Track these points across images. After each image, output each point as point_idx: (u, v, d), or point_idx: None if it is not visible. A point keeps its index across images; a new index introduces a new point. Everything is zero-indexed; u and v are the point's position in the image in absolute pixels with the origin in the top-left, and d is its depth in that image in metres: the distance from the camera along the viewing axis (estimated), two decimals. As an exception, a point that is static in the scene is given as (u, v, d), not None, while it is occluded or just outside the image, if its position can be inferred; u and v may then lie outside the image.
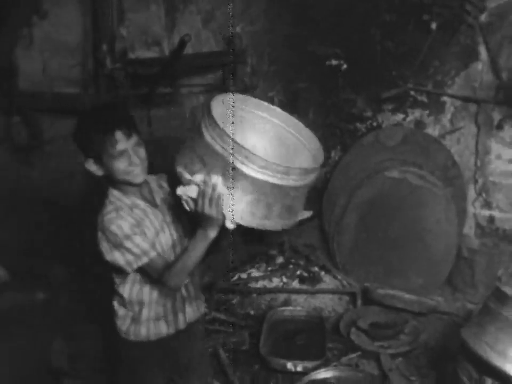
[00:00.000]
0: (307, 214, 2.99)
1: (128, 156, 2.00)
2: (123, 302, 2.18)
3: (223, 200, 1.84)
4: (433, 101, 2.77)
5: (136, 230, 2.02)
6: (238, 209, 1.86)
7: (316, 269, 2.94)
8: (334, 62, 3.04)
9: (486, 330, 1.87)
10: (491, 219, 2.70)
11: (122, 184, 2.08)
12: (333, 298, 2.84)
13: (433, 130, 2.78)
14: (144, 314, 2.15)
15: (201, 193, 1.84)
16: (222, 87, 3.54)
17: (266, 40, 3.44)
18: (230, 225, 1.87)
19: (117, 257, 2.02)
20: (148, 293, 2.15)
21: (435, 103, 2.76)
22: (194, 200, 1.87)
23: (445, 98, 2.73)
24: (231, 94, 2.07)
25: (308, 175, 1.89)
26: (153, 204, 2.16)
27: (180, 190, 1.89)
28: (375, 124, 2.99)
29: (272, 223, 1.91)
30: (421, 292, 2.73)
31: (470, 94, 2.61)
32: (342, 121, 3.12)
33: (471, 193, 2.74)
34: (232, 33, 3.47)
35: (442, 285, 2.84)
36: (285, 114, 2.16)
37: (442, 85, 2.72)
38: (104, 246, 2.03)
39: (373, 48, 2.90)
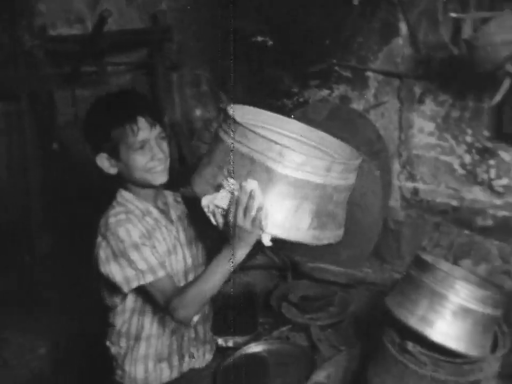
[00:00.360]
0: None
1: (150, 148, 1.72)
2: (117, 337, 1.85)
3: (261, 209, 1.51)
4: (357, 76, 2.81)
5: (146, 240, 1.71)
6: (275, 219, 1.55)
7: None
8: (259, 39, 3.04)
9: (407, 298, 1.93)
10: (415, 191, 2.77)
11: (137, 187, 1.80)
12: (264, 273, 2.87)
13: (358, 105, 2.83)
14: (141, 350, 1.82)
15: (235, 202, 1.51)
16: (148, 65, 3.49)
17: (192, 17, 3.39)
18: (267, 241, 1.55)
19: (113, 270, 1.68)
20: (149, 327, 1.82)
21: (359, 78, 2.80)
22: (223, 213, 1.55)
23: (368, 73, 2.77)
24: (243, 106, 1.82)
25: (349, 173, 1.66)
26: (168, 218, 1.88)
27: (205, 200, 1.56)
28: (301, 99, 3.01)
29: (318, 235, 1.63)
30: (350, 264, 2.79)
31: (392, 69, 2.66)
32: (270, 98, 3.13)
33: (396, 166, 2.80)
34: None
35: (370, 256, 2.91)
36: (302, 126, 1.95)
37: (366, 60, 2.76)
38: (101, 254, 1.69)
39: (297, 24, 2.91)
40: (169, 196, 1.97)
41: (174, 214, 1.92)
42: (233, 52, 3.25)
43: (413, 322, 1.86)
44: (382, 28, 2.66)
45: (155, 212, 1.83)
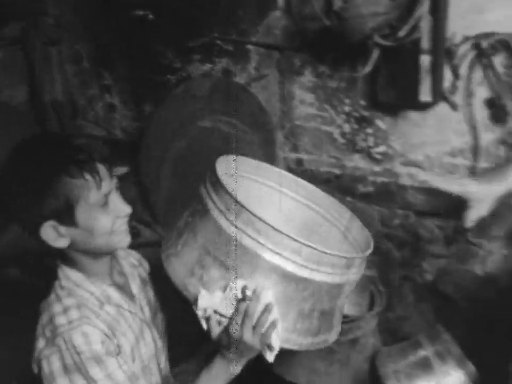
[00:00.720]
0: (123, 170, 2.94)
1: (113, 203, 1.34)
2: None
3: (275, 326, 1.24)
4: (238, 50, 2.80)
5: (110, 345, 1.26)
6: (283, 329, 1.30)
7: (135, 223, 2.92)
8: (140, 12, 2.95)
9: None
10: (299, 161, 2.83)
11: (91, 259, 1.35)
12: (154, 251, 2.84)
13: (240, 79, 2.83)
14: None
15: (244, 311, 1.22)
16: (24, 40, 3.32)
17: (68, -11, 3.25)
18: (271, 357, 1.30)
19: None
20: None
21: (240, 51, 2.80)
22: (221, 320, 1.27)
23: (249, 46, 2.78)
24: (231, 157, 1.51)
25: (363, 265, 1.44)
26: (129, 294, 1.50)
27: (203, 302, 1.24)
28: (184, 74, 2.98)
29: (327, 338, 1.41)
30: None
31: (272, 42, 2.67)
32: (153, 74, 3.07)
33: (280, 138, 2.84)
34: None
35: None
36: (301, 183, 1.75)
37: (246, 34, 2.76)
38: (45, 367, 1.20)
39: (177, -3, 2.87)
40: (123, 260, 1.61)
41: (133, 286, 1.56)
42: (114, 26, 3.15)
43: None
44: (261, 0, 2.67)
45: (115, 295, 1.42)
